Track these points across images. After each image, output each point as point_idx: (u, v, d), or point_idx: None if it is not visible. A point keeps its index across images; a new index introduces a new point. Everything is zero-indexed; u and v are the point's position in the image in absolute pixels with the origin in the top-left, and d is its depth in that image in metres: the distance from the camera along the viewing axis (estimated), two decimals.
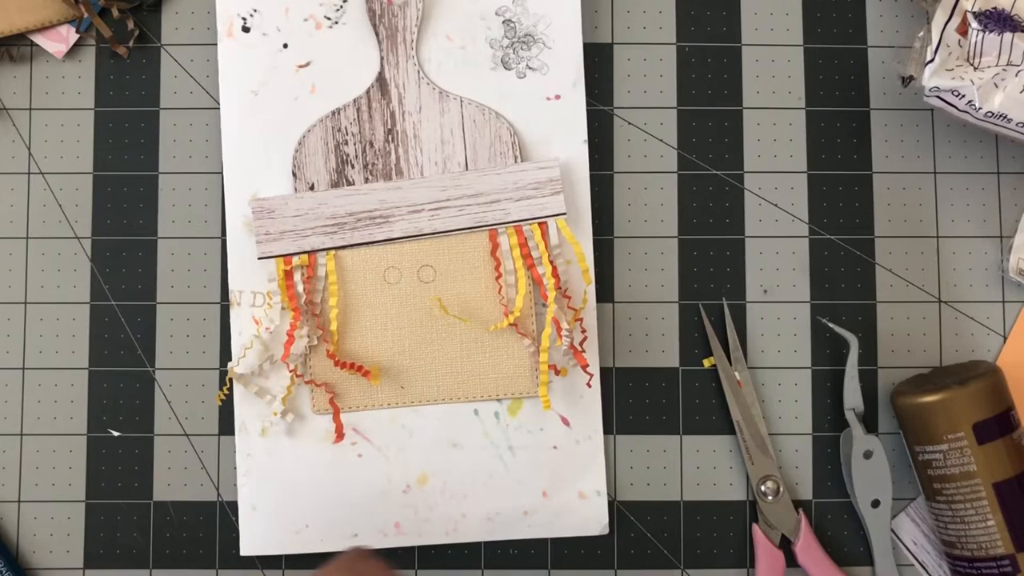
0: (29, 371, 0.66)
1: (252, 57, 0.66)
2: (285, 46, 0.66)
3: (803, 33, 0.68)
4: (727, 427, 0.66)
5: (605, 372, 0.66)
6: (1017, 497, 0.61)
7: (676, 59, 0.68)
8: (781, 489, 0.65)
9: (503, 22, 0.67)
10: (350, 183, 0.65)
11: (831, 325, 0.66)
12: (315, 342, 0.65)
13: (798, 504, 0.66)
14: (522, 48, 0.66)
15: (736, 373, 0.66)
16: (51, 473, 0.65)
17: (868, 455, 0.64)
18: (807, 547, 0.65)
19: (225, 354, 0.66)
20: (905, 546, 0.66)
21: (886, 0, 0.68)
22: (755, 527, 0.65)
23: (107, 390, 0.66)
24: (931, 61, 0.62)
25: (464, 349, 0.65)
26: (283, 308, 0.65)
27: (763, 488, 0.65)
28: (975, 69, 0.62)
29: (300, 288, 0.64)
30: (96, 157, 0.67)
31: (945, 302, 0.67)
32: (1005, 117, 0.62)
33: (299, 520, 0.65)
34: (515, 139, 0.66)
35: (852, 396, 0.65)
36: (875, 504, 0.65)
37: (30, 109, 0.67)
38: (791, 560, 0.65)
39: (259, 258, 0.65)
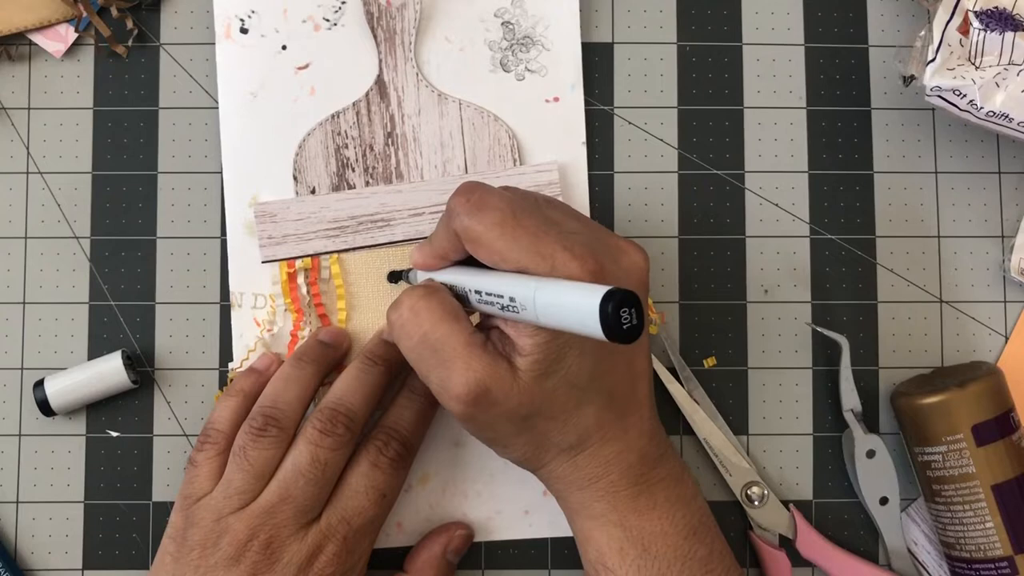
0: (28, 371, 0.66)
1: (251, 59, 0.66)
2: (284, 48, 0.66)
3: (804, 32, 0.68)
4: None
5: None
6: (1016, 499, 0.61)
7: (676, 58, 0.68)
8: (766, 493, 0.65)
9: (502, 24, 0.66)
10: (351, 187, 0.65)
11: (820, 330, 0.66)
12: None
13: (793, 503, 0.66)
14: (521, 50, 0.66)
15: (690, 392, 0.66)
16: (49, 474, 0.65)
17: (871, 454, 0.64)
18: (807, 541, 0.65)
19: (225, 354, 0.66)
20: (906, 546, 0.66)
21: (887, 0, 0.68)
22: (751, 535, 0.65)
23: None
24: (932, 60, 0.62)
25: None
26: (285, 310, 0.65)
27: (748, 495, 0.65)
28: (976, 68, 0.62)
29: (304, 291, 0.64)
30: (95, 157, 0.67)
31: (946, 302, 0.67)
32: (1007, 116, 0.61)
33: None
34: (514, 142, 0.66)
35: (849, 397, 0.65)
36: (883, 501, 0.65)
37: (29, 108, 0.67)
38: (796, 559, 0.65)
39: (263, 262, 0.65)
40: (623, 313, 0.45)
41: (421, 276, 0.60)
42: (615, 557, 0.56)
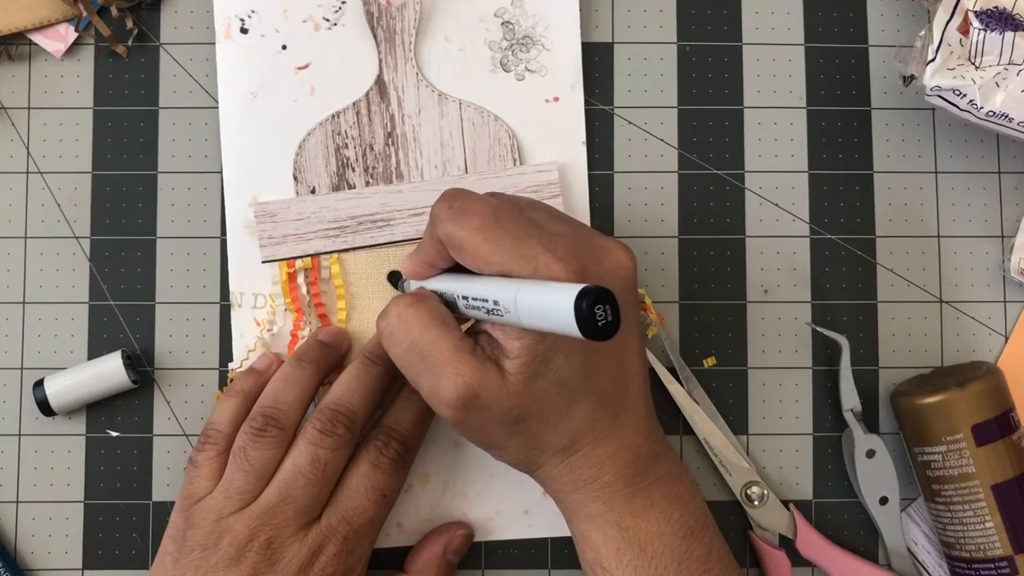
0: (28, 371, 0.66)
1: (251, 59, 0.66)
2: (284, 48, 0.66)
3: (804, 32, 0.68)
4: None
5: None
6: (1016, 499, 0.61)
7: (676, 58, 0.68)
8: (766, 493, 0.65)
9: (502, 24, 0.66)
10: (351, 186, 0.65)
11: (820, 329, 0.66)
12: None
13: (793, 503, 0.66)
14: (521, 50, 0.66)
15: (690, 392, 0.66)
16: (49, 473, 0.65)
17: (871, 454, 0.64)
18: (808, 541, 0.65)
19: (225, 354, 0.66)
20: (906, 546, 0.66)
21: (887, 0, 0.68)
22: (751, 534, 0.65)
23: None
24: (932, 60, 0.62)
25: None
26: (285, 310, 0.65)
27: (748, 494, 0.65)
28: (976, 68, 0.62)
29: (304, 290, 0.64)
30: (95, 156, 0.67)
31: (946, 302, 0.67)
32: (1006, 116, 0.61)
33: None
34: (514, 142, 0.65)
35: (848, 397, 0.65)
36: (883, 501, 0.65)
37: (28, 108, 0.67)
38: (796, 559, 0.65)
39: (263, 262, 0.65)
40: (598, 310, 0.45)
41: (413, 285, 0.60)
42: (612, 558, 0.56)
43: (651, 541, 0.56)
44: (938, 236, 0.67)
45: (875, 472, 0.65)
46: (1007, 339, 0.67)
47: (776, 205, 0.67)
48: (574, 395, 0.55)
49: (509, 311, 0.50)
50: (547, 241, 0.53)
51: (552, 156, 0.66)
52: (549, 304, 0.47)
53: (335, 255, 0.65)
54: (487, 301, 0.52)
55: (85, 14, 0.66)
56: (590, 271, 0.53)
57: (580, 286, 0.46)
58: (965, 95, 0.61)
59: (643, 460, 0.57)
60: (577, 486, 0.57)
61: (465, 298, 0.54)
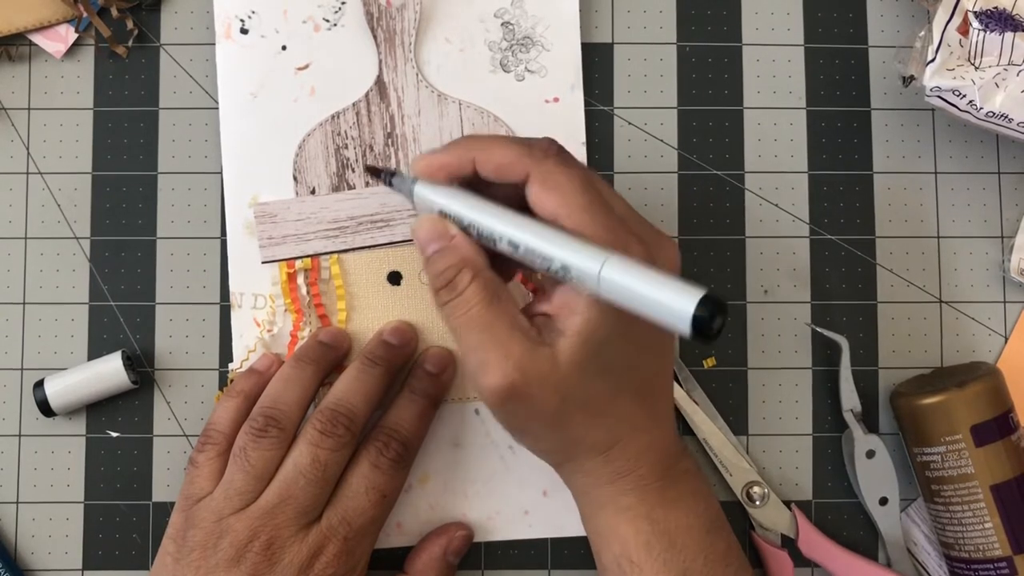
0: (28, 371, 0.66)
1: (251, 59, 0.66)
2: (284, 48, 0.66)
3: (804, 33, 0.68)
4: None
5: None
6: (1015, 499, 0.61)
7: (676, 59, 0.68)
8: (767, 492, 0.65)
9: (501, 24, 0.66)
10: (351, 187, 0.65)
11: (820, 330, 0.66)
12: None
13: (794, 503, 0.66)
14: (521, 51, 0.66)
15: (689, 392, 0.66)
16: (49, 474, 0.65)
17: (871, 455, 0.64)
18: (809, 540, 0.65)
19: (225, 355, 0.66)
20: (906, 547, 0.66)
21: (887, 0, 0.68)
22: (753, 535, 0.65)
23: None
24: (932, 61, 0.62)
25: None
26: (285, 310, 0.65)
27: (749, 494, 0.65)
28: (976, 69, 0.62)
29: (304, 291, 0.64)
30: (95, 157, 0.67)
31: (946, 302, 0.67)
32: (1006, 117, 0.61)
33: None
34: None
35: (848, 397, 0.65)
36: (883, 502, 0.65)
37: (29, 109, 0.67)
38: (798, 559, 0.65)
39: (263, 262, 0.65)
40: (716, 320, 0.47)
41: (425, 195, 0.56)
42: (641, 551, 0.56)
43: (680, 534, 0.56)
44: (938, 236, 0.67)
45: (875, 472, 0.65)
46: (1007, 339, 0.67)
47: (776, 205, 0.67)
48: (618, 385, 0.54)
49: (584, 276, 0.49)
50: (625, 222, 0.53)
51: None
52: (656, 299, 0.47)
53: (335, 255, 0.65)
54: (553, 260, 0.50)
55: (85, 15, 0.66)
56: (655, 259, 0.53)
57: (701, 292, 0.46)
58: (965, 95, 0.61)
59: (672, 454, 0.57)
60: (612, 479, 0.56)
61: (515, 246, 0.52)
